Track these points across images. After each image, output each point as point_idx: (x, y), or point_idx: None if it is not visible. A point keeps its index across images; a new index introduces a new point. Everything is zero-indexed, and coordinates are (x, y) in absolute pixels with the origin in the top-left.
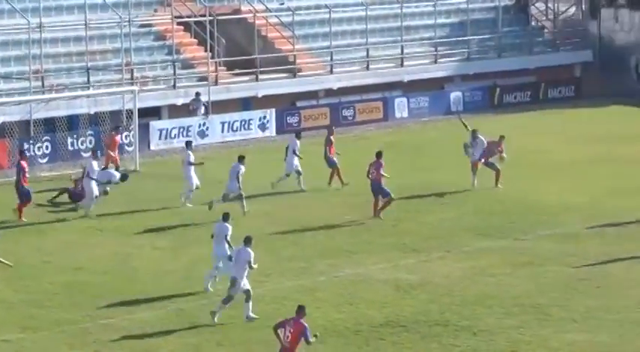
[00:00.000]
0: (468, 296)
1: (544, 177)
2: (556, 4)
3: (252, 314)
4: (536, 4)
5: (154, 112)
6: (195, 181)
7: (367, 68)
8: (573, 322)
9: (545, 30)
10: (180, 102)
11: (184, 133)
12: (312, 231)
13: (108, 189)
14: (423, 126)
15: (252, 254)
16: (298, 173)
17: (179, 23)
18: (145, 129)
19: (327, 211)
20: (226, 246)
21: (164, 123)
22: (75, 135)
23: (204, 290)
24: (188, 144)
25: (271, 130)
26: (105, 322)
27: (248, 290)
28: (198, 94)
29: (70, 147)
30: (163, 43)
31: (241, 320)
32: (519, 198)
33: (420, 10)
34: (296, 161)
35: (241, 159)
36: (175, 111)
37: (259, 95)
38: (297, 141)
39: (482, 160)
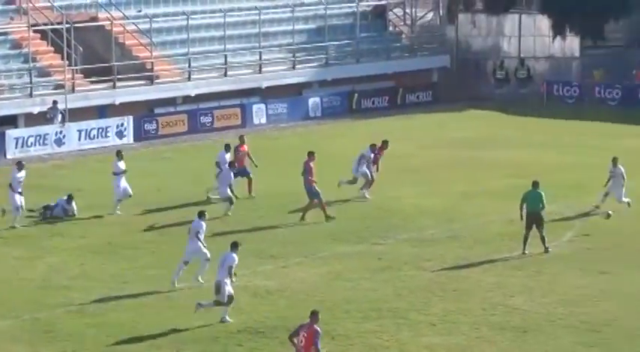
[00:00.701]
0: (326, 302)
1: (401, 182)
2: (414, 10)
3: (227, 318)
4: (394, 10)
5: (10, 121)
6: (126, 190)
7: (225, 75)
8: (431, 325)
9: (403, 35)
10: (36, 110)
11: (41, 142)
12: (170, 238)
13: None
14: (281, 132)
15: (237, 260)
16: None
17: (35, 31)
18: (1, 138)
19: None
20: (199, 243)
21: (20, 132)
22: None
23: (171, 284)
24: (118, 153)
25: (129, 138)
26: None
27: (231, 296)
28: (55, 102)
29: None
30: (19, 51)
31: (96, 328)
32: (376, 202)
33: (278, 17)
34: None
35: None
36: (32, 119)
37: (117, 102)
38: (226, 154)
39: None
